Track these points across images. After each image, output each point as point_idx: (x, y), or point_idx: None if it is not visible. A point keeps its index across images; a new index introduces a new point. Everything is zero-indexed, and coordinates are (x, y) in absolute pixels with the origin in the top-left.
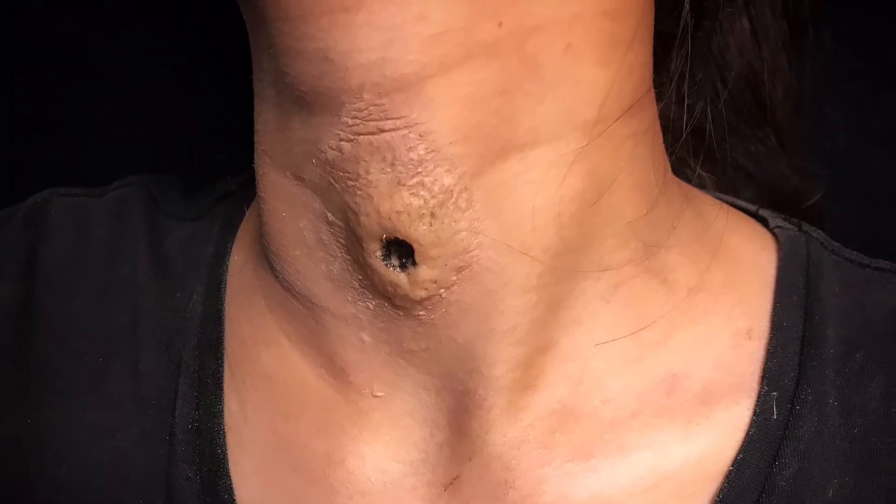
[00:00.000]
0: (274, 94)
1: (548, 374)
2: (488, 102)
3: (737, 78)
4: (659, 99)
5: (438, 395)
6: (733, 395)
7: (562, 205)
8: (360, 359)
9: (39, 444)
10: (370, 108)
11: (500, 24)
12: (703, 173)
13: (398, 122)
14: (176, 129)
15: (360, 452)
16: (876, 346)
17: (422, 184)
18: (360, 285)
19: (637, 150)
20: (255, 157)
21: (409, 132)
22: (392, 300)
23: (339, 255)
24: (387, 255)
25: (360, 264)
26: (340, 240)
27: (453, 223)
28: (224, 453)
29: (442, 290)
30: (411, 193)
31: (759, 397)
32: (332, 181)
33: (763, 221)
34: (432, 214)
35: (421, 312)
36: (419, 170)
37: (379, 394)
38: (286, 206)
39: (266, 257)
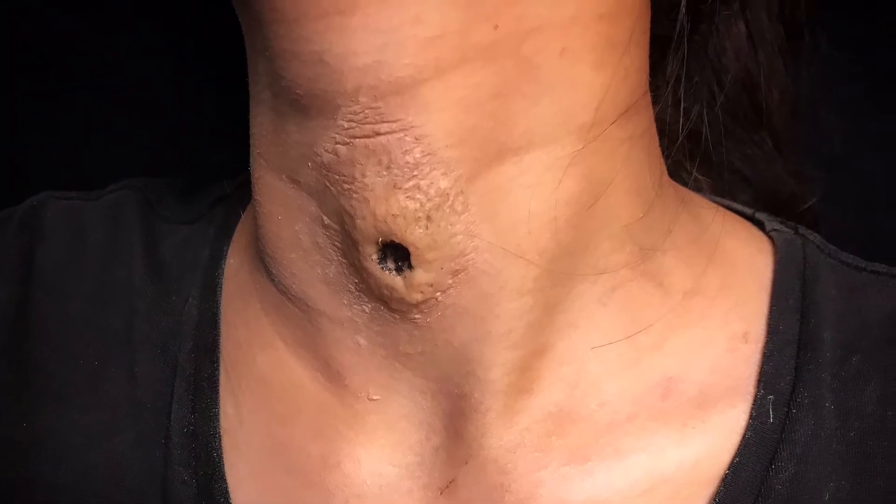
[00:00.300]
0: (270, 97)
1: (544, 377)
2: (484, 105)
3: (733, 81)
4: (655, 102)
5: (434, 398)
6: (729, 398)
7: (557, 208)
8: (356, 362)
9: (36, 447)
10: (366, 111)
11: (497, 27)
12: (700, 177)
13: (394, 126)
14: (172, 131)
15: (356, 456)
16: (872, 349)
17: (418, 187)
18: (355, 289)
19: (633, 154)
20: (250, 161)
21: (405, 135)
22: (388, 303)
23: (335, 258)
24: (383, 259)
25: (356, 268)
26: (336, 243)
27: (449, 226)
28: (220, 457)
29: (438, 294)
30: (407, 197)
31: (755, 401)
32: (328, 184)
33: (759, 225)
34: (428, 218)
35: (417, 316)
36: (415, 173)
37: (375, 397)
38: (282, 209)
39: (262, 260)
